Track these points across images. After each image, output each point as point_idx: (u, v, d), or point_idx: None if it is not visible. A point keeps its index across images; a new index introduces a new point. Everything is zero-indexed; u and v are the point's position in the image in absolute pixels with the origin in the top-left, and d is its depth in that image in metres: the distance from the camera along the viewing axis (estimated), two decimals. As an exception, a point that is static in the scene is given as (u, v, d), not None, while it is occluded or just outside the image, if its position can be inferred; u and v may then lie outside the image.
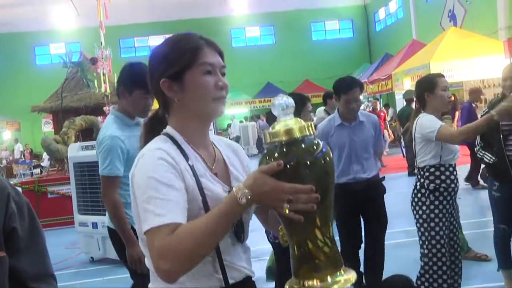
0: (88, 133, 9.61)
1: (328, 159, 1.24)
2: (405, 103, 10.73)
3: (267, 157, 1.26)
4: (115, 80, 11.44)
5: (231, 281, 1.37)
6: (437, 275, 3.35)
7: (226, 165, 1.50)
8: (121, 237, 2.79)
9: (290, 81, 25.80)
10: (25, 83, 24.80)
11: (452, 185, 3.38)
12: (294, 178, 1.18)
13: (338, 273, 1.24)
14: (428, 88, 3.45)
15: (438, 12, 19.44)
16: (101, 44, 9.78)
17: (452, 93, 15.21)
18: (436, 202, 3.36)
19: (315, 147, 1.23)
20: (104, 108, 9.77)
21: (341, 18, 29.05)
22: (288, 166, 1.19)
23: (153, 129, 1.47)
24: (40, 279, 1.33)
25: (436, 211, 3.36)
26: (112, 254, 6.02)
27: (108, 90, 9.86)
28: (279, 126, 1.24)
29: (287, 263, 1.32)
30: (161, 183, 1.27)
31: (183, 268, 1.21)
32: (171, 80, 1.40)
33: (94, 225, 6.03)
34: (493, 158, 3.73)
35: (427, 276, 3.38)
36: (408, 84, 12.09)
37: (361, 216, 3.95)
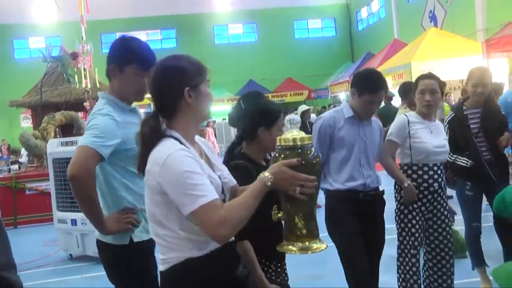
0: (68, 129, 9.48)
1: (319, 160, 1.83)
2: (384, 101, 10.84)
3: (277, 155, 1.83)
4: (96, 75, 11.28)
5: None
6: (409, 275, 3.42)
7: (208, 158, 1.96)
8: (92, 218, 2.37)
9: (273, 78, 25.85)
10: (2, 77, 24.38)
11: (425, 185, 3.37)
12: (302, 171, 1.73)
13: (314, 242, 1.81)
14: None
15: (419, 13, 19.65)
16: (82, 39, 9.66)
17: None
18: None
19: (310, 151, 1.80)
20: (85, 103, 9.66)
21: (323, 17, 29.18)
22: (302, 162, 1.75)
23: (155, 132, 1.81)
24: (9, 269, 1.34)
25: (403, 207, 3.42)
26: (91, 251, 5.97)
27: (89, 86, 9.75)
28: (289, 135, 1.82)
29: None
30: (194, 173, 1.69)
31: (236, 232, 1.72)
32: (191, 89, 1.82)
33: (73, 222, 5.96)
34: (470, 161, 3.77)
35: (400, 273, 3.48)
36: (390, 83, 12.19)
37: None
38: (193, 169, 1.70)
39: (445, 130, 3.92)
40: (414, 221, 3.41)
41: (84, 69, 9.62)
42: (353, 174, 3.18)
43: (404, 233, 3.44)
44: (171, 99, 1.83)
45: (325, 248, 1.81)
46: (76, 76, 10.21)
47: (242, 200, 1.73)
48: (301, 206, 1.78)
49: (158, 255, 1.93)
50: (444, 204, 3.48)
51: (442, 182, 3.46)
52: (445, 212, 3.48)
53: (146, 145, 1.80)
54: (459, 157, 3.82)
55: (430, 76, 3.46)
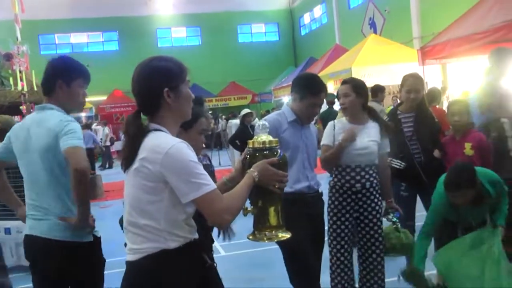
0: (2, 134, 9.03)
1: (286, 159, 2.11)
2: (327, 105, 11.06)
3: (248, 156, 2.09)
4: (33, 78, 10.78)
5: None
6: (340, 277, 3.58)
7: None
8: (86, 209, 2.61)
9: (216, 82, 25.81)
10: None
11: (347, 185, 3.51)
12: (279, 168, 2.02)
13: (280, 231, 2.07)
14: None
15: (359, 19, 20.23)
16: (17, 40, 9.25)
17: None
18: (333, 198, 3.57)
19: (277, 152, 2.08)
20: (21, 107, 9.26)
21: (267, 21, 29.45)
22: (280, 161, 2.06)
23: (140, 128, 1.92)
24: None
25: (332, 206, 3.56)
26: (27, 261, 5.70)
27: (26, 89, 9.35)
28: (259, 139, 2.09)
29: None
30: (198, 163, 1.85)
31: (234, 218, 1.90)
32: (170, 90, 1.93)
33: (7, 231, 5.68)
34: (403, 163, 3.95)
35: (332, 273, 3.61)
36: (332, 87, 12.45)
37: None
38: (195, 160, 1.86)
39: None
40: (339, 222, 3.54)
41: (20, 71, 9.21)
42: (298, 176, 3.26)
43: (332, 236, 3.56)
44: (152, 98, 1.94)
45: (289, 237, 2.08)
46: (11, 79, 9.76)
47: (239, 192, 1.93)
48: (274, 200, 2.05)
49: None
50: (372, 204, 3.55)
51: (367, 183, 3.52)
52: (373, 212, 3.55)
53: (134, 141, 1.90)
54: (393, 159, 3.98)
55: (344, 81, 3.65)
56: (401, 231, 3.65)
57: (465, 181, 3.18)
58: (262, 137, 2.11)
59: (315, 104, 3.29)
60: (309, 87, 3.28)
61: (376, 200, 3.57)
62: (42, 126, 2.70)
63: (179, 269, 1.90)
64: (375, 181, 3.57)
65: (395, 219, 3.65)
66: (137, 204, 1.90)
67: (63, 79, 2.77)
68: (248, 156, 2.11)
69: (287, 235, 2.07)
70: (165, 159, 1.81)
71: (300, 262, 3.18)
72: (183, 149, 1.85)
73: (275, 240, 2.09)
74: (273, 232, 2.06)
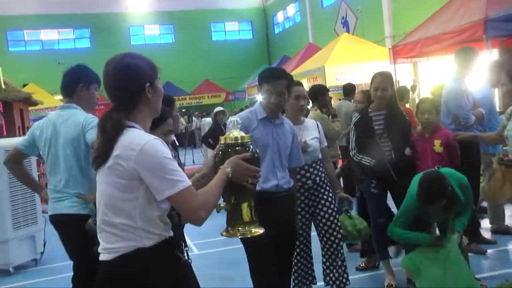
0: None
1: (258, 155, 2.13)
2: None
3: (221, 152, 2.11)
4: (1, 75, 10.57)
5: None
6: (297, 273, 3.80)
7: None
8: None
9: (190, 80, 25.70)
10: None
11: (299, 183, 3.66)
12: (251, 163, 2.04)
13: (253, 226, 2.09)
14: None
15: (332, 18, 20.42)
16: (-15, 36, 9.04)
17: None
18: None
19: (250, 148, 2.10)
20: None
21: (240, 20, 29.45)
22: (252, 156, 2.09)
23: (117, 125, 1.89)
24: None
25: None
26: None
27: (-6, 86, 9.16)
28: (231, 135, 2.11)
29: None
30: (172, 160, 1.85)
31: (209, 215, 1.90)
32: (150, 85, 1.96)
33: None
34: (373, 160, 4.01)
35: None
36: (305, 85, 12.50)
37: None
38: (170, 156, 1.85)
39: (351, 131, 4.23)
40: (300, 222, 3.67)
41: (-13, 69, 9.01)
42: (266, 175, 3.14)
43: None
44: (132, 95, 1.94)
45: (262, 233, 2.09)
46: (-22, 76, 9.53)
47: (213, 188, 1.95)
48: (247, 195, 2.08)
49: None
50: (325, 197, 3.74)
51: (317, 178, 3.73)
52: (327, 203, 3.73)
53: (109, 138, 1.88)
54: (364, 157, 4.05)
55: (300, 83, 3.75)
56: (353, 217, 3.82)
57: (437, 194, 3.26)
58: (234, 133, 2.12)
59: (272, 92, 3.15)
60: (263, 75, 3.25)
61: (327, 192, 3.77)
62: (69, 122, 3.17)
63: (155, 267, 1.89)
64: (323, 175, 3.79)
65: (347, 207, 3.81)
66: (111, 203, 1.88)
67: (84, 83, 3.27)
68: (220, 152, 2.12)
69: (260, 231, 2.09)
70: (139, 155, 1.80)
71: (259, 268, 3.14)
72: (158, 145, 1.83)
73: (249, 236, 2.09)
74: (246, 227, 2.07)
